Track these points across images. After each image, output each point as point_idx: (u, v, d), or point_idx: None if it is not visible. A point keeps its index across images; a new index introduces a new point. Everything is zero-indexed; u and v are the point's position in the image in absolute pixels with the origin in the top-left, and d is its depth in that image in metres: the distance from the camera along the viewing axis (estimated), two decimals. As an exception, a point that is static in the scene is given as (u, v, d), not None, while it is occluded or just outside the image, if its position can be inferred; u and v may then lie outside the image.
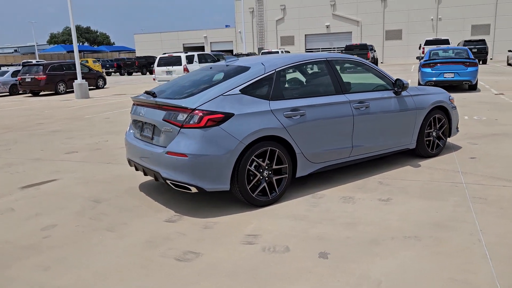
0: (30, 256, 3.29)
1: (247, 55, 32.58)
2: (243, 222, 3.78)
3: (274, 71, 4.31)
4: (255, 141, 3.99)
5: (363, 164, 5.45)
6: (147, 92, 4.46)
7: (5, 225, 3.97)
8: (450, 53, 15.16)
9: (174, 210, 4.16)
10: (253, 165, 4.02)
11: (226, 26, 53.65)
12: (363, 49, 28.36)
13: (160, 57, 17.94)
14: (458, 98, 12.08)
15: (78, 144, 7.65)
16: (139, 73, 38.43)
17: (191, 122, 3.81)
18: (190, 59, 17.75)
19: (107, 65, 40.82)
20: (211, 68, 4.83)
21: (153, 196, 4.60)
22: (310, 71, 4.75)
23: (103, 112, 12.16)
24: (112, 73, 40.78)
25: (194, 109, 3.83)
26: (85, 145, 7.54)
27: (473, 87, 13.73)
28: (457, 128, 6.01)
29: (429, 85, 13.83)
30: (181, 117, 3.86)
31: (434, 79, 13.65)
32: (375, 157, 5.04)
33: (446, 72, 13.54)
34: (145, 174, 4.35)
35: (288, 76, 4.41)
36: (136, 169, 4.56)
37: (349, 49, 28.86)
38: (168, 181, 3.95)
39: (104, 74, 34.47)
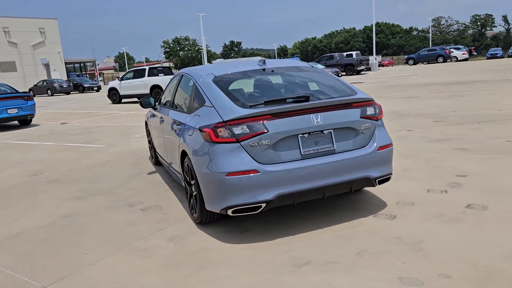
0: None
1: None
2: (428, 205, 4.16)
3: None
4: None
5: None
6: (272, 101, 3.65)
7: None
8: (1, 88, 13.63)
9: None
10: None
11: None
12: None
13: None
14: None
15: None
16: None
17: (378, 114, 3.97)
18: None
19: None
20: (273, 71, 4.33)
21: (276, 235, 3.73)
22: None
23: None
24: None
25: (374, 101, 3.99)
26: None
27: (30, 122, 13.68)
28: None
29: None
30: (373, 110, 3.90)
31: None
32: None
33: (9, 108, 12.54)
34: (324, 197, 3.65)
35: None
36: (293, 203, 3.59)
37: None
38: (378, 180, 3.84)
39: None
